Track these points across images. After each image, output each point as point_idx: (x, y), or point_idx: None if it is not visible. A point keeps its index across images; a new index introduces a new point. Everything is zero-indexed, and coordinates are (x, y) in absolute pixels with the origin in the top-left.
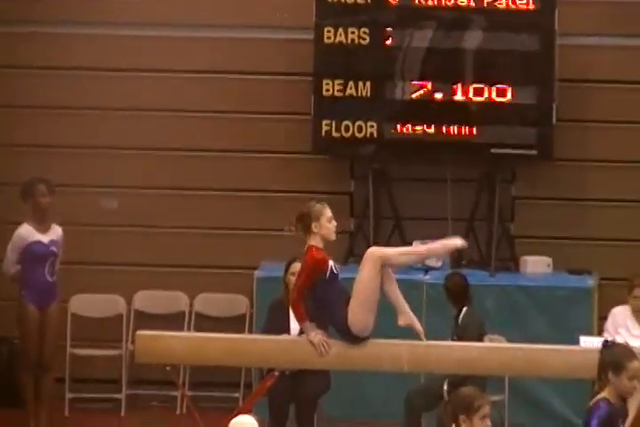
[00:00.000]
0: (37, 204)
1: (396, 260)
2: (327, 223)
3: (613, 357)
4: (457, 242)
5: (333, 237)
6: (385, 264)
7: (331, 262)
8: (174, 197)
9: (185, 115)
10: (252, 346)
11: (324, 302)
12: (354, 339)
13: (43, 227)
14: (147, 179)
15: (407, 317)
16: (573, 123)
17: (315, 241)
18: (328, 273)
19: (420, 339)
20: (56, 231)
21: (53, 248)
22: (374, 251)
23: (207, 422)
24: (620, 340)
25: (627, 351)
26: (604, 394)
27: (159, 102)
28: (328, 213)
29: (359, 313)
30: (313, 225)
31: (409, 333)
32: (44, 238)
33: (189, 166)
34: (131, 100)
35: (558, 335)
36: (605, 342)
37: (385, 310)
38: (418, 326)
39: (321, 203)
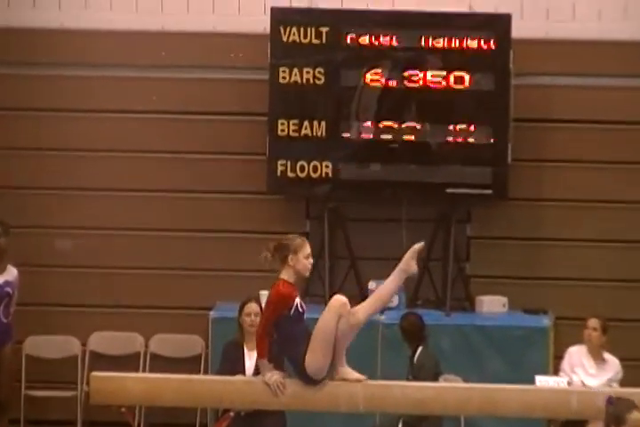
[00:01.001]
0: None
1: (364, 315)
2: (304, 259)
3: (615, 410)
4: (416, 246)
5: (307, 273)
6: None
7: (297, 300)
8: (129, 238)
9: (141, 155)
10: (207, 387)
11: (285, 339)
12: (309, 380)
13: None
14: (102, 220)
15: (344, 371)
16: (528, 162)
17: (287, 275)
18: (292, 310)
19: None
20: (11, 272)
21: (8, 289)
22: (338, 299)
23: None
24: (576, 379)
25: (628, 404)
26: None
27: (115, 143)
28: (307, 249)
29: (315, 355)
30: (290, 258)
31: (365, 373)
32: None
33: (146, 207)
34: (86, 141)
35: (514, 375)
36: (610, 399)
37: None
38: (356, 376)
39: (302, 238)
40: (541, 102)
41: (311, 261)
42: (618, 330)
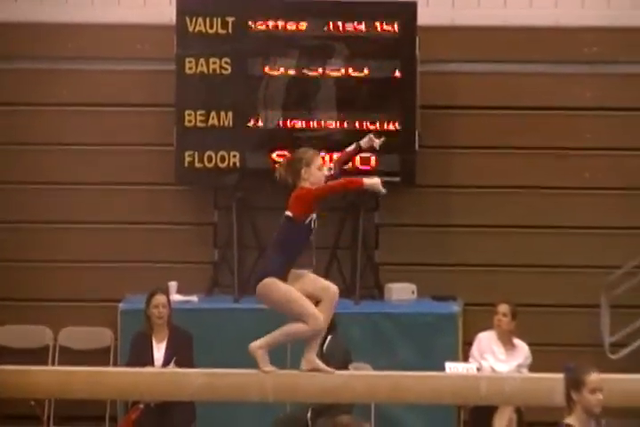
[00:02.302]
0: None
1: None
2: (317, 171)
3: (571, 375)
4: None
5: (321, 185)
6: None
7: (314, 215)
8: (38, 231)
9: (50, 148)
10: (116, 379)
11: (282, 242)
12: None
13: None
14: (8, 212)
15: (311, 363)
16: (436, 149)
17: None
18: (307, 221)
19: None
20: None
21: None
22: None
23: None
24: (485, 365)
25: (584, 367)
26: (567, 420)
27: (24, 136)
28: (319, 160)
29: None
30: (303, 171)
31: (274, 362)
32: None
33: (53, 199)
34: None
35: (424, 362)
36: (566, 366)
37: (250, 339)
38: (326, 369)
39: (313, 150)
40: (448, 89)
41: (325, 172)
42: (526, 315)
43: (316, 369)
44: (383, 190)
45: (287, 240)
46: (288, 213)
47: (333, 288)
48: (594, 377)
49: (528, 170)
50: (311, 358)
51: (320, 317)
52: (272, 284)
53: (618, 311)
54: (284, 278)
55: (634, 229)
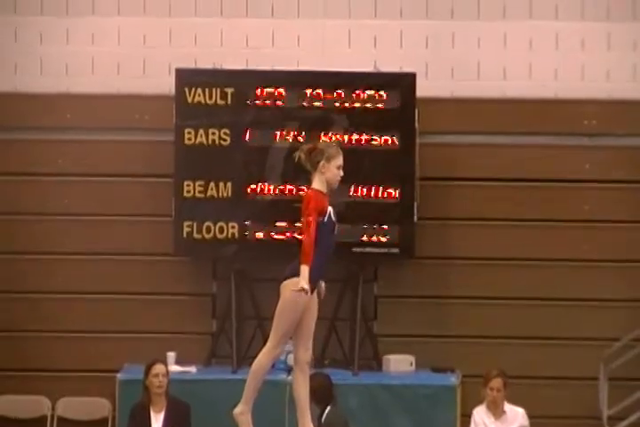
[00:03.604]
0: None
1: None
2: (335, 169)
3: None
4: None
5: (336, 185)
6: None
7: (330, 209)
8: (37, 301)
9: (46, 218)
10: None
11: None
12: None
13: None
14: (7, 282)
15: None
16: (434, 221)
17: (318, 184)
18: (326, 218)
19: None
20: None
21: None
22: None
23: None
24: None
25: None
26: None
27: (22, 205)
28: (340, 160)
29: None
30: (322, 164)
31: None
32: None
33: (53, 269)
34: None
35: None
36: None
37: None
38: None
39: (337, 148)
40: (446, 160)
41: (341, 173)
42: (524, 387)
43: None
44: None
45: (316, 243)
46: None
47: (310, 355)
48: None
49: (526, 242)
50: (306, 423)
51: (280, 349)
52: (295, 288)
53: (616, 384)
54: (312, 283)
55: (632, 301)
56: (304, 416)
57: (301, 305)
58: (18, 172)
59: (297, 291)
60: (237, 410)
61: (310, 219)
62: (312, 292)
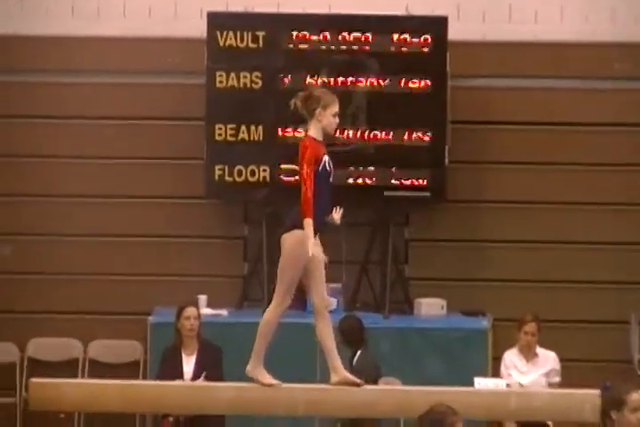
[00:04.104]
0: None
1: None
2: (331, 117)
3: (612, 394)
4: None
5: (332, 132)
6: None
7: (325, 157)
8: (67, 244)
9: (78, 161)
10: (146, 392)
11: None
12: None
13: None
14: (39, 225)
15: (340, 375)
16: (466, 164)
17: (314, 131)
18: (321, 167)
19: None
20: None
21: None
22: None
23: None
24: (511, 382)
25: (624, 386)
26: None
27: (56, 149)
28: (336, 107)
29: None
30: (317, 111)
31: (304, 377)
32: None
33: (82, 213)
34: (24, 145)
35: (454, 377)
36: (604, 385)
37: (279, 354)
38: (354, 380)
39: (333, 96)
40: (478, 104)
41: (337, 120)
42: (555, 331)
43: (345, 381)
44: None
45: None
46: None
47: (329, 301)
48: (635, 396)
49: (558, 186)
50: (337, 365)
51: (285, 304)
52: (296, 241)
53: None
54: (318, 231)
55: None
56: (333, 359)
57: (302, 258)
58: (51, 115)
59: (304, 250)
60: (249, 368)
61: (307, 171)
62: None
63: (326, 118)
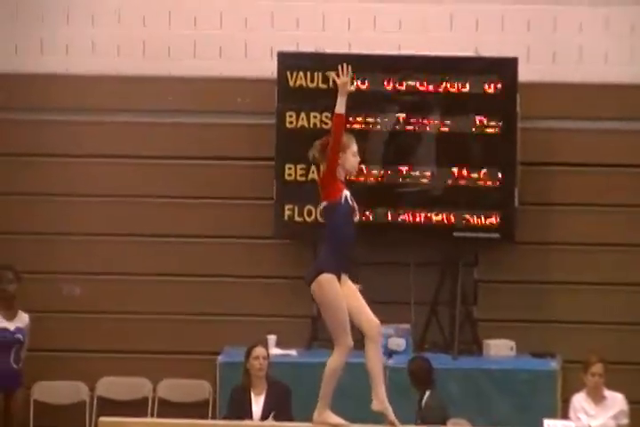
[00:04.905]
0: (4, 291)
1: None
2: (352, 157)
3: None
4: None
5: (355, 171)
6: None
7: (346, 192)
8: (137, 283)
9: (151, 200)
10: None
11: (331, 229)
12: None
13: (9, 314)
14: (110, 265)
15: (382, 403)
16: (535, 206)
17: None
18: (343, 200)
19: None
20: (22, 318)
21: (19, 335)
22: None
23: None
24: (580, 425)
25: None
26: None
27: (126, 188)
28: (354, 147)
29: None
30: (339, 155)
31: (374, 418)
32: (11, 326)
33: (153, 252)
34: (97, 186)
35: (522, 419)
36: None
37: (352, 392)
38: (391, 416)
39: (349, 135)
40: (548, 145)
41: (358, 159)
42: (624, 373)
43: (384, 411)
44: (352, 88)
45: (333, 228)
46: (322, 203)
47: (377, 323)
48: None
49: (627, 227)
50: (380, 392)
51: (349, 336)
52: (325, 282)
53: None
54: (337, 272)
55: None
56: (377, 385)
57: (340, 293)
58: (124, 155)
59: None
60: (316, 415)
61: (331, 156)
62: (338, 281)
63: (348, 160)
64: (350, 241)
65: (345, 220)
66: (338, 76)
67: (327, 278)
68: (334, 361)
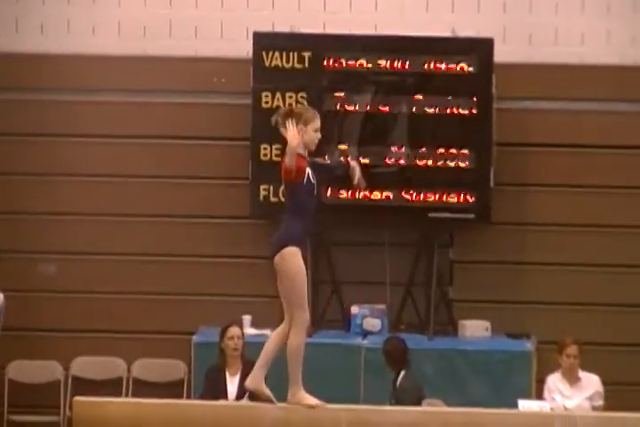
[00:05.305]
0: None
1: None
2: (312, 132)
3: None
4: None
5: (313, 147)
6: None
7: (308, 170)
8: (112, 263)
9: (124, 180)
10: (190, 411)
11: (294, 209)
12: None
13: None
14: (85, 244)
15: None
16: (511, 187)
17: None
18: (305, 181)
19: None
20: None
21: None
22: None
23: None
24: (555, 406)
25: None
26: None
27: (102, 168)
28: (318, 123)
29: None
30: (299, 128)
31: (347, 398)
32: None
33: (127, 232)
34: (70, 165)
35: (497, 399)
36: None
37: (322, 375)
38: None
39: (314, 111)
40: (523, 126)
41: (319, 135)
42: (598, 354)
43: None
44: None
45: (296, 204)
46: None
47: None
48: None
49: (603, 208)
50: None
51: (307, 311)
52: (290, 256)
53: None
54: (302, 245)
55: None
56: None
57: (303, 268)
58: (99, 134)
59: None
60: (290, 395)
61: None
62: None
63: (307, 134)
64: (311, 216)
65: (308, 197)
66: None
67: (292, 251)
68: (295, 339)
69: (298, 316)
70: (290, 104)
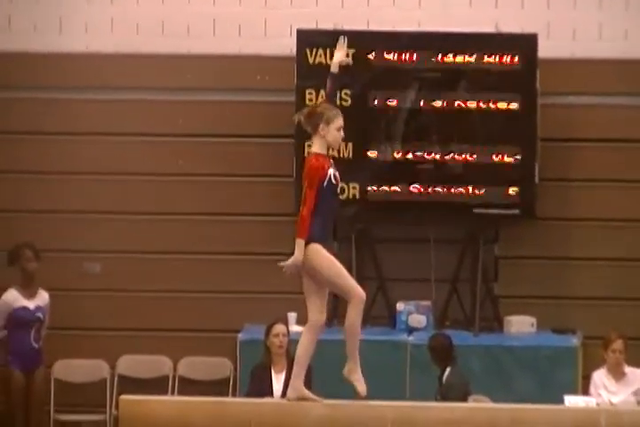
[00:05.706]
0: (24, 269)
1: None
2: (335, 131)
3: None
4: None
5: (337, 146)
6: None
7: (331, 171)
8: (157, 261)
9: (169, 179)
10: (236, 409)
11: (316, 211)
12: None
13: (29, 292)
14: (131, 243)
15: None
16: (556, 182)
17: (318, 147)
18: (326, 182)
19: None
20: (42, 297)
21: (39, 314)
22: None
23: None
24: (601, 401)
25: None
26: None
27: (143, 166)
28: (340, 121)
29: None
30: (321, 127)
31: (393, 394)
32: (31, 304)
33: (172, 230)
34: (114, 164)
35: (543, 395)
36: None
37: (369, 371)
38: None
39: (337, 110)
40: (568, 121)
41: (342, 134)
42: None
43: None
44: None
45: (319, 204)
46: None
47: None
48: None
49: None
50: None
51: (359, 286)
52: (314, 252)
53: None
54: (325, 244)
55: None
56: (297, 376)
57: (329, 255)
58: (137, 132)
59: (288, 265)
60: (346, 370)
61: (309, 192)
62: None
63: (330, 133)
64: (332, 217)
65: (330, 198)
66: None
67: (314, 249)
68: (357, 318)
69: (353, 295)
70: (314, 104)
